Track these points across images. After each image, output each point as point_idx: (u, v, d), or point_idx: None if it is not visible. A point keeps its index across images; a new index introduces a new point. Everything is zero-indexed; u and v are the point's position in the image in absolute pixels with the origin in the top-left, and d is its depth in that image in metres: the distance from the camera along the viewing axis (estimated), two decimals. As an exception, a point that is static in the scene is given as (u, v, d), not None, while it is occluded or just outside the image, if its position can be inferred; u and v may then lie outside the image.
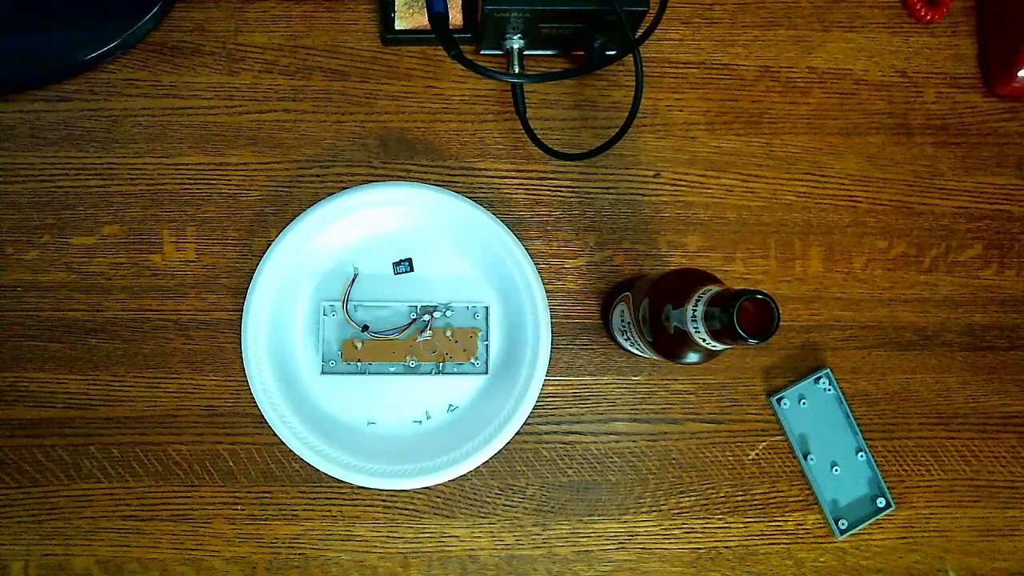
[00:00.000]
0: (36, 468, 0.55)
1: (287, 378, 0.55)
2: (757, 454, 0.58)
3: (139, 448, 0.56)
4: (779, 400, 0.58)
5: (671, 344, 0.46)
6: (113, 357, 0.56)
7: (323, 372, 0.55)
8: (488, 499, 0.57)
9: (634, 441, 0.58)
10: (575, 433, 0.58)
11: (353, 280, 0.56)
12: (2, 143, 0.56)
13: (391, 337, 0.56)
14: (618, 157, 0.59)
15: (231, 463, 0.56)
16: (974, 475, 0.60)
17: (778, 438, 0.59)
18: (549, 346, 0.54)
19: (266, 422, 0.53)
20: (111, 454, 0.56)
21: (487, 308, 0.56)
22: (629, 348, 0.55)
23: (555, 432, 0.58)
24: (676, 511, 0.58)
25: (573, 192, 0.59)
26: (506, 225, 0.55)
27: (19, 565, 0.55)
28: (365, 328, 0.55)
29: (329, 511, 0.56)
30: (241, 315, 0.54)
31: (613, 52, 0.57)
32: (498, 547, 0.57)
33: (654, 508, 0.58)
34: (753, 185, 0.60)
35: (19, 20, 0.55)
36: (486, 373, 0.56)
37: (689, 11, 0.60)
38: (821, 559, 0.58)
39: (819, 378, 0.58)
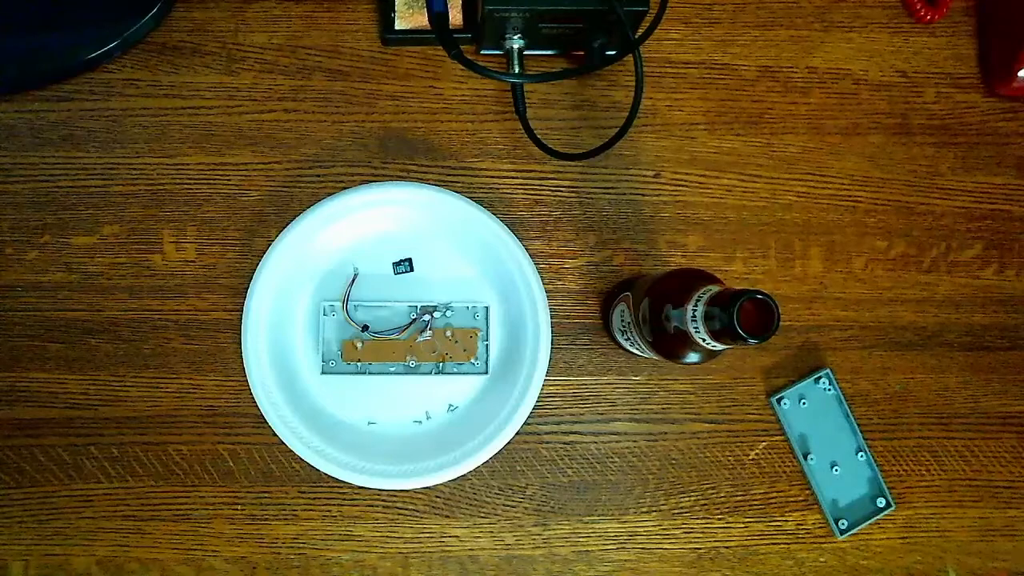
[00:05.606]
0: (36, 468, 0.55)
1: (287, 378, 0.55)
2: (757, 454, 0.58)
3: (139, 448, 0.56)
4: (779, 400, 0.58)
5: (671, 344, 0.46)
6: (113, 357, 0.56)
7: (323, 372, 0.55)
8: (488, 499, 0.57)
9: (634, 441, 0.58)
10: (575, 433, 0.58)
11: (353, 280, 0.56)
12: (2, 143, 0.56)
13: (391, 337, 0.56)
14: (618, 157, 0.59)
15: (231, 463, 0.56)
16: (974, 475, 0.60)
17: (778, 438, 0.59)
18: (549, 346, 0.54)
19: (266, 422, 0.53)
20: (111, 454, 0.56)
21: (487, 308, 0.56)
22: (629, 348, 0.55)
23: (555, 432, 0.58)
24: (676, 511, 0.58)
25: (573, 192, 0.59)
26: (506, 225, 0.55)
27: (19, 565, 0.55)
28: (365, 328, 0.55)
29: (329, 511, 0.56)
30: (241, 315, 0.54)
31: (613, 52, 0.57)
32: (498, 547, 0.57)
33: (654, 508, 0.58)
34: (753, 185, 0.60)
35: (19, 20, 0.55)
36: (486, 373, 0.56)
37: (689, 11, 0.60)
38: (821, 559, 0.58)
39: (819, 378, 0.58)
